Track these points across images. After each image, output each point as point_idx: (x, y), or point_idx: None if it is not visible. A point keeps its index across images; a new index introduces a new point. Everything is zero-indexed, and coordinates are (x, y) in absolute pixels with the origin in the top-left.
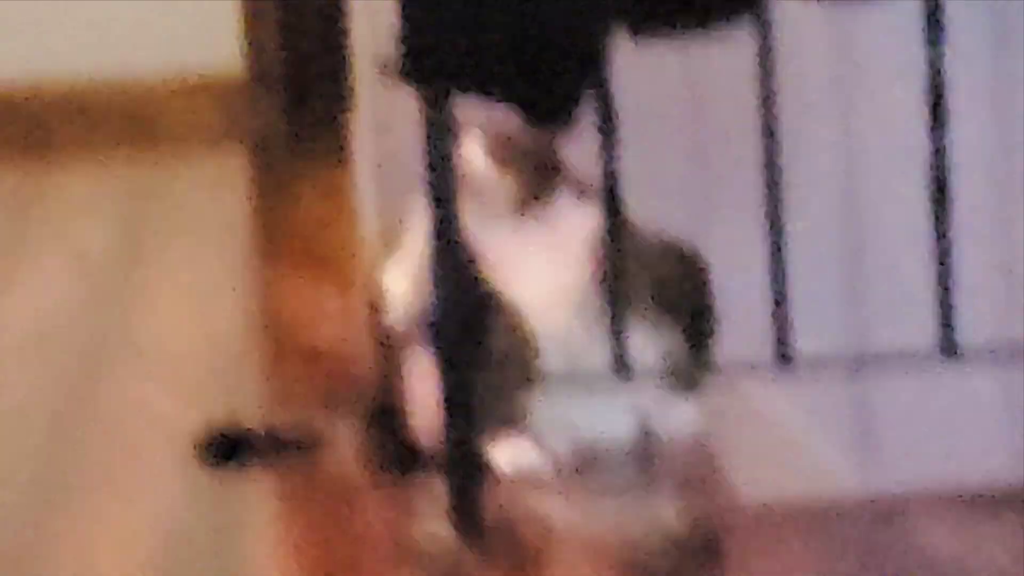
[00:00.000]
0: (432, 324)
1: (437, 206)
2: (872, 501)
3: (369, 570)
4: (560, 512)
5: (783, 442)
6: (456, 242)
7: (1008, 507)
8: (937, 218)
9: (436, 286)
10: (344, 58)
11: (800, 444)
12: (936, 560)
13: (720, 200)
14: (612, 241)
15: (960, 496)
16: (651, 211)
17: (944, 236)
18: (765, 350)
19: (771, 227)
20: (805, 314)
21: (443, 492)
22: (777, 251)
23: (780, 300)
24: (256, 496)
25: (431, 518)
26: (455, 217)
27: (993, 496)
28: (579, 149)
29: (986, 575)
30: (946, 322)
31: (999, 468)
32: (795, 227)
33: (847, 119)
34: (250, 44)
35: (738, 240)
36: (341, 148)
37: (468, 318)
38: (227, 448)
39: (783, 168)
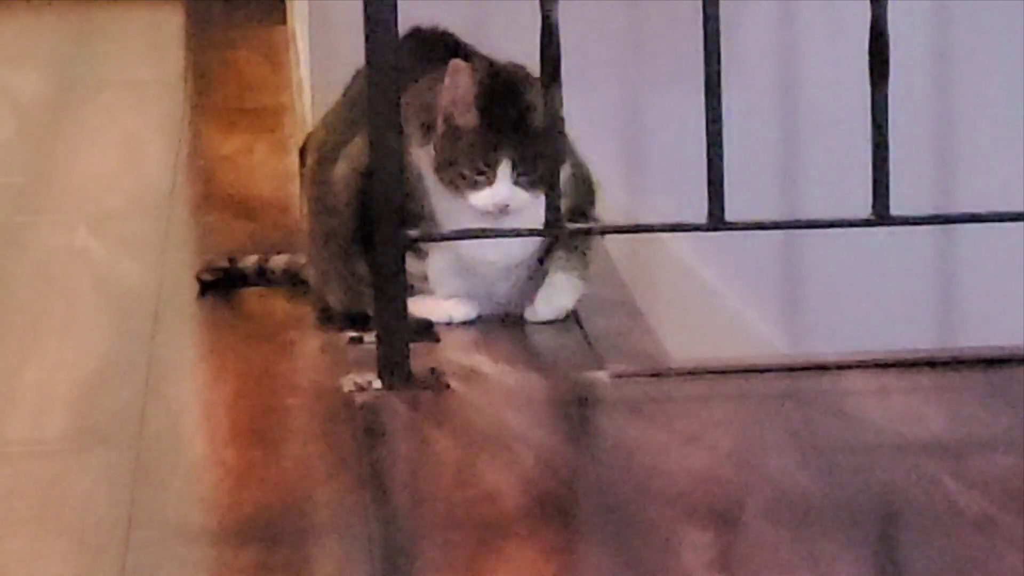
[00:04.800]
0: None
1: (373, 67)
2: (802, 365)
3: (296, 417)
4: (486, 364)
5: (714, 304)
6: (394, 105)
7: (936, 371)
8: (875, 87)
9: (372, 155)
10: None
11: (731, 307)
12: (867, 426)
13: (660, 66)
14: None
15: (890, 361)
16: (589, 77)
17: (881, 106)
18: (700, 214)
19: (708, 92)
20: (741, 179)
21: (373, 343)
22: (714, 116)
23: (715, 164)
24: (186, 340)
25: (361, 369)
26: (393, 81)
27: (922, 360)
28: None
29: (918, 441)
30: (880, 189)
31: (927, 333)
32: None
33: None
34: None
35: (677, 105)
36: (277, 4)
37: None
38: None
39: (721, 36)
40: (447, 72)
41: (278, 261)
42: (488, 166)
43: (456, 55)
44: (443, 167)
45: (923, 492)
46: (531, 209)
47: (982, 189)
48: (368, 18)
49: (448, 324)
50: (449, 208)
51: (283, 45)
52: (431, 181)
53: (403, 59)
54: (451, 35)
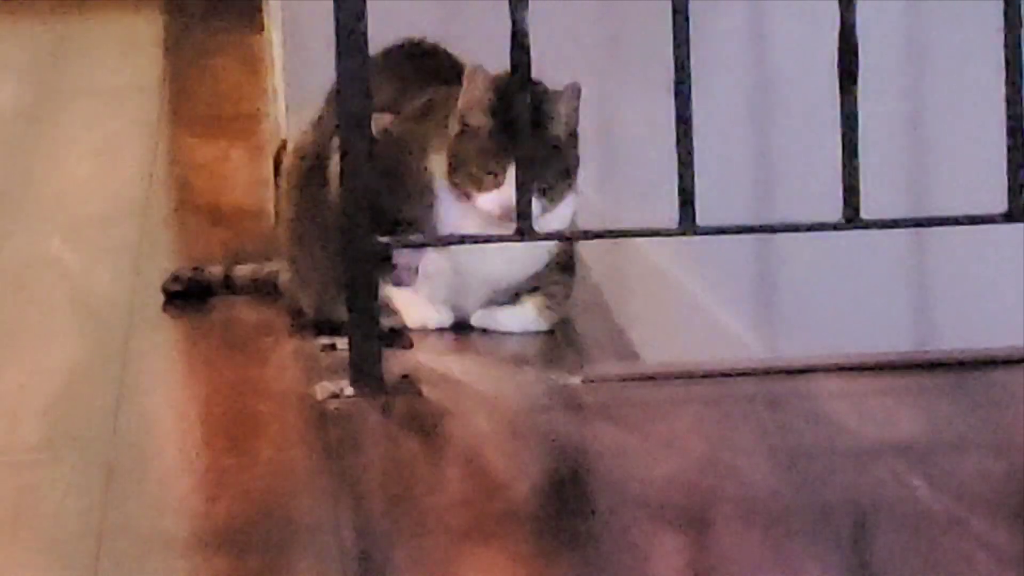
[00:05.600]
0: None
1: (342, 75)
2: (774, 368)
3: (269, 425)
4: (459, 369)
5: (687, 308)
6: (364, 111)
7: (908, 374)
8: (843, 91)
9: (342, 161)
10: None
11: (704, 310)
12: (839, 429)
13: (634, 70)
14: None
15: (862, 364)
16: (562, 82)
17: (850, 110)
18: (672, 215)
19: (679, 95)
20: (714, 181)
21: (346, 349)
22: (684, 118)
23: (687, 165)
24: (159, 349)
25: (333, 376)
26: (362, 88)
27: (895, 363)
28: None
29: (890, 443)
30: (850, 192)
31: (899, 335)
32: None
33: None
34: None
35: (651, 109)
36: (255, 13)
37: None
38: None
39: (691, 39)
40: (465, 76)
41: (244, 270)
42: (498, 167)
43: (450, 67)
44: (454, 168)
45: (894, 494)
46: (538, 223)
47: (954, 192)
48: (338, 25)
49: (422, 329)
50: (458, 218)
51: (260, 53)
52: (443, 189)
53: (397, 71)
54: (442, 48)
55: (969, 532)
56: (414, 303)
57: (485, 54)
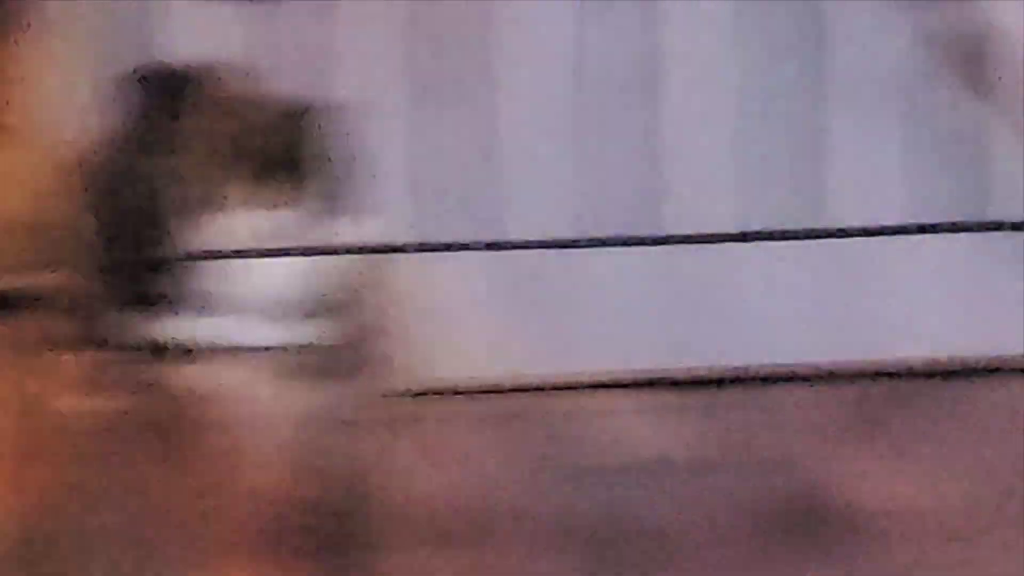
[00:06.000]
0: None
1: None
2: (540, 386)
3: (19, 437)
4: (239, 382)
5: (462, 324)
6: (132, 130)
7: (664, 391)
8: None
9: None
10: None
11: (495, 325)
12: (594, 446)
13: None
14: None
15: (620, 381)
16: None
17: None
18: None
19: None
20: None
21: (112, 361)
22: (491, 133)
23: (492, 181)
24: None
25: (95, 388)
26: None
27: (651, 380)
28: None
29: (641, 461)
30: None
31: (655, 351)
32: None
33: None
34: None
35: (456, 127)
36: (32, 16)
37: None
38: None
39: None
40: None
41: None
42: (267, 186)
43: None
44: (222, 185)
45: (645, 511)
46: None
47: (691, 208)
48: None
49: (214, 343)
50: (229, 235)
51: (37, 56)
52: (213, 205)
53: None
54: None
55: (711, 548)
56: (209, 320)
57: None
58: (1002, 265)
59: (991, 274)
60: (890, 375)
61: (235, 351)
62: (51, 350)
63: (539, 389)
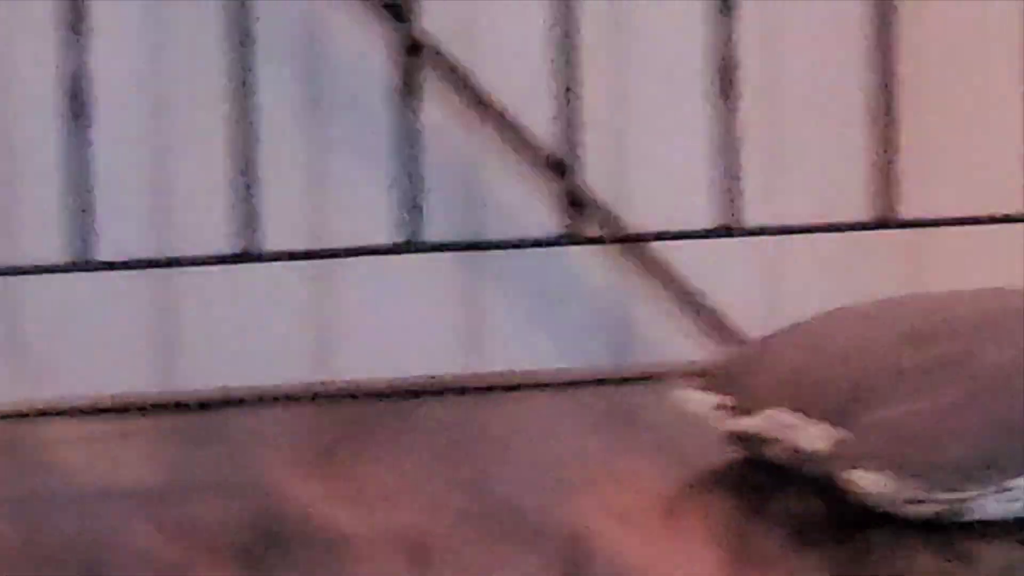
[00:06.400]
0: None
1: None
2: (34, 413)
3: None
4: None
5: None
6: None
7: (146, 415)
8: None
9: None
10: None
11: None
12: (70, 475)
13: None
14: None
15: (98, 407)
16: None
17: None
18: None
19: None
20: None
21: None
22: (245, 140)
23: (246, 190)
24: None
25: None
26: None
27: (132, 405)
28: None
29: (122, 489)
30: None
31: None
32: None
33: None
34: None
35: (198, 132)
36: None
37: None
38: None
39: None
40: None
41: None
42: None
43: None
44: None
45: (121, 541)
46: None
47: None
48: None
49: None
50: None
51: None
52: None
53: None
54: None
55: None
56: None
57: None
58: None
59: (423, 297)
60: (352, 396)
61: None
62: None
63: (7, 417)
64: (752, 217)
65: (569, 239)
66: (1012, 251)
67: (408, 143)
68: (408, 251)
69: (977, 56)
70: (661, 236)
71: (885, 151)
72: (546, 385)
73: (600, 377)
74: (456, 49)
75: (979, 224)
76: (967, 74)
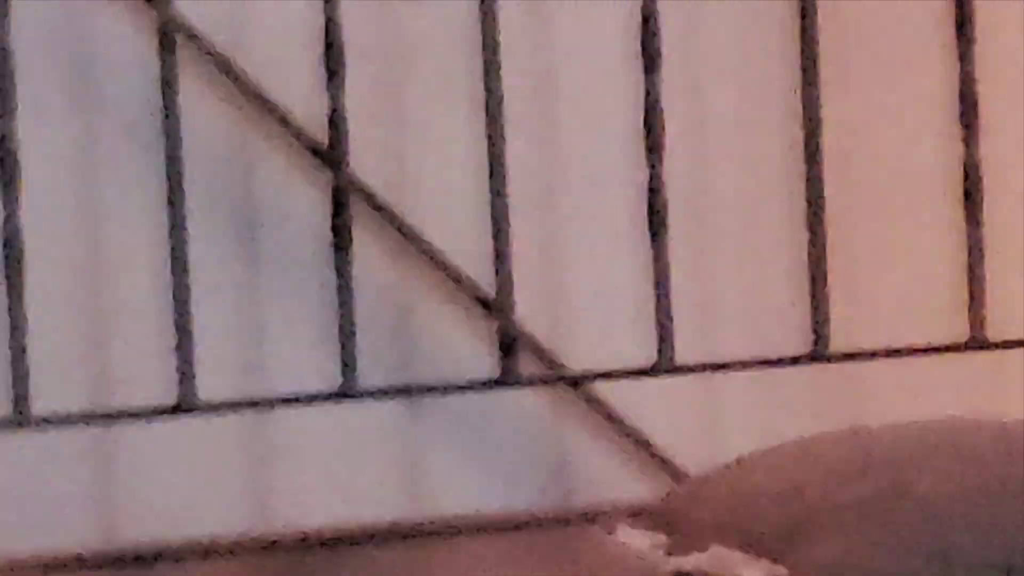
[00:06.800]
0: None
1: None
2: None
3: None
4: None
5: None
6: None
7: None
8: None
9: None
10: None
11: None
12: None
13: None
14: None
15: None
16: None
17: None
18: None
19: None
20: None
21: None
22: (182, 288)
23: (183, 340)
24: None
25: None
26: None
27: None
28: None
29: None
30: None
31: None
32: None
33: None
34: None
35: (132, 285)
36: None
37: None
38: None
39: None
40: None
41: None
42: None
43: None
44: None
45: None
46: None
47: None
48: None
49: None
50: None
51: None
52: None
53: None
54: None
55: None
56: None
57: None
58: (375, 432)
59: (361, 443)
60: (293, 545)
61: None
62: None
63: None
64: (686, 354)
65: (504, 381)
66: (945, 381)
67: (340, 290)
68: (343, 398)
69: (905, 185)
70: (595, 376)
71: (814, 283)
72: (487, 528)
73: (540, 518)
74: (386, 193)
75: (912, 355)
76: (896, 205)
